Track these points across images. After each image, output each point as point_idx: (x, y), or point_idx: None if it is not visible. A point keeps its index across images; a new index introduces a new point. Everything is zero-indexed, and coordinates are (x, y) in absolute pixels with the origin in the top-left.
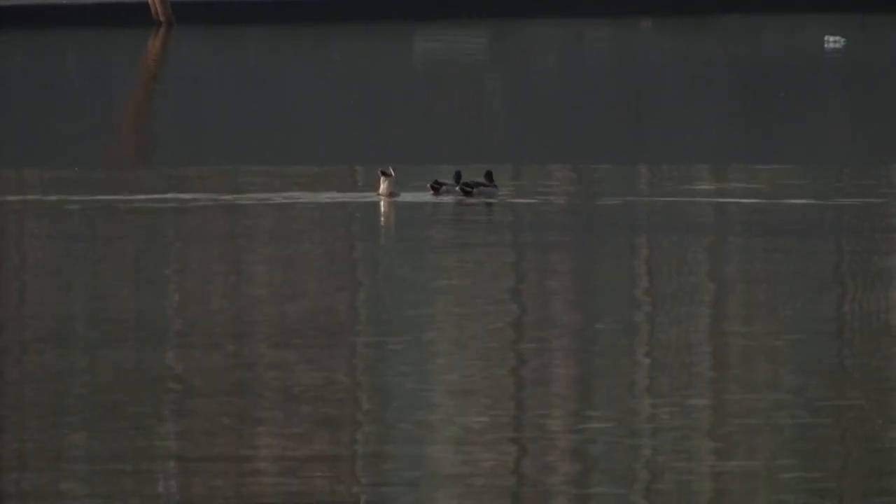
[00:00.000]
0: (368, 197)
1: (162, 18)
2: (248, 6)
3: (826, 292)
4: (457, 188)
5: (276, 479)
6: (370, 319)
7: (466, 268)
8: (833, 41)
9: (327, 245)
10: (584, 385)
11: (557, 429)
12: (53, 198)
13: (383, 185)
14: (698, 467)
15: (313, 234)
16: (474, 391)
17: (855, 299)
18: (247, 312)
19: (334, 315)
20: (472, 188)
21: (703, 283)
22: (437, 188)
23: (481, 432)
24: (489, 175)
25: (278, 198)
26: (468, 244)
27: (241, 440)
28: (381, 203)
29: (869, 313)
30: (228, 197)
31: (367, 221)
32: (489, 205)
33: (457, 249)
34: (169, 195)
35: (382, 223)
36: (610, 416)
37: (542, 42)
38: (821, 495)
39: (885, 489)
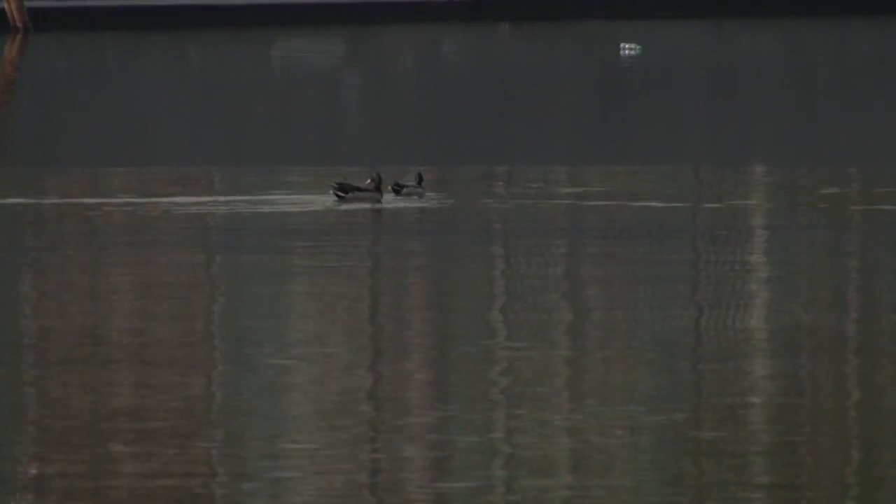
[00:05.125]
0: (226, 201)
1: (19, 24)
2: (105, 12)
3: (681, 298)
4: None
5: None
6: (226, 333)
7: (323, 274)
8: (629, 48)
9: (184, 251)
10: (439, 400)
11: (412, 443)
12: None
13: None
14: (554, 484)
15: (170, 240)
16: (328, 406)
17: (710, 305)
18: (102, 328)
19: (189, 330)
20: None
21: (558, 289)
22: (398, 189)
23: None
24: (418, 177)
25: (136, 202)
26: (326, 250)
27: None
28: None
29: (723, 320)
30: (86, 201)
31: (225, 226)
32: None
33: (315, 255)
34: (24, 199)
35: (244, 226)
36: (468, 429)
37: (400, 47)
38: None
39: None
